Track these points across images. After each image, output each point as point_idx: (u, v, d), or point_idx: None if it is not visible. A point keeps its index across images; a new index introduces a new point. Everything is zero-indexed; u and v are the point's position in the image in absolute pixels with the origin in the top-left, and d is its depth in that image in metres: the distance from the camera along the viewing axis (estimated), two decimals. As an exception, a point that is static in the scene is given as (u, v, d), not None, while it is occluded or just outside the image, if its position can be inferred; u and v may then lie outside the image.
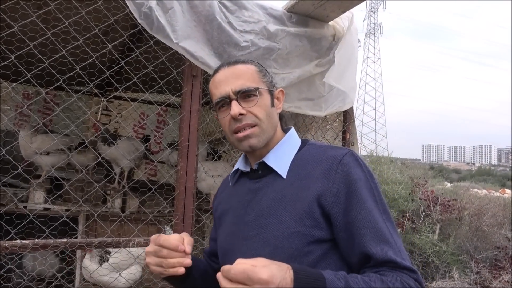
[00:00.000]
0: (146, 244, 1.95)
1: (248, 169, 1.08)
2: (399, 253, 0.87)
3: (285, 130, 1.10)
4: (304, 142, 1.07)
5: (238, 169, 1.12)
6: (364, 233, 0.88)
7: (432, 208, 5.65)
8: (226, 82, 1.00)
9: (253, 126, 0.99)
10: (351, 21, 2.18)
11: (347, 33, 2.15)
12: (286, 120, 1.15)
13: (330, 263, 0.91)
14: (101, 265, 2.51)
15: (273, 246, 0.92)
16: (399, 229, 5.53)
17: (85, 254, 2.60)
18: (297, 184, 0.96)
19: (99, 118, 4.17)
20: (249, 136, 0.99)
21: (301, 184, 0.95)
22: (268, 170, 1.02)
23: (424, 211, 5.68)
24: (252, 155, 1.07)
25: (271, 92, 1.05)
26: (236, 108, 0.97)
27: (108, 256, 2.57)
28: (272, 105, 1.04)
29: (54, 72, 1.87)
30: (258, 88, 1.00)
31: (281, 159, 1.01)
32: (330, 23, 2.18)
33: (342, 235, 0.90)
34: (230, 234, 1.05)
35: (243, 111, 0.98)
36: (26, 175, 1.97)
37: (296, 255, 0.90)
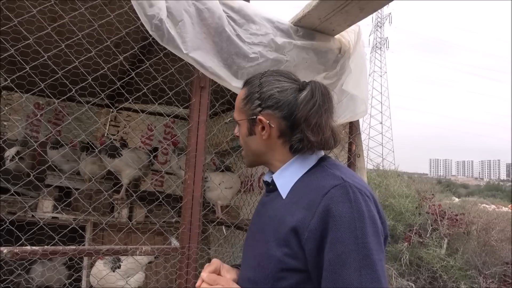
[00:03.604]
0: (153, 252, 1.97)
1: (265, 180, 1.11)
2: None
3: None
4: (319, 162, 1.01)
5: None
6: (325, 276, 0.83)
7: (439, 222, 5.59)
8: None
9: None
10: (359, 33, 2.22)
11: (358, 44, 2.19)
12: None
13: None
14: (114, 271, 2.55)
15: (257, 262, 0.96)
16: (405, 243, 5.46)
17: (97, 260, 2.63)
18: (288, 207, 0.94)
19: (107, 129, 4.24)
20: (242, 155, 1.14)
21: (291, 208, 0.93)
22: (276, 186, 1.03)
23: (432, 225, 5.62)
24: (270, 168, 1.09)
25: (251, 120, 1.03)
26: (235, 130, 1.14)
27: (120, 264, 2.59)
28: (250, 134, 1.04)
29: (67, 83, 1.93)
30: (231, 121, 1.12)
31: (285, 178, 1.00)
32: (336, 36, 2.21)
33: (313, 272, 0.87)
34: (245, 240, 1.13)
35: (238, 134, 1.12)
36: (37, 182, 2.01)
37: (270, 277, 0.91)
